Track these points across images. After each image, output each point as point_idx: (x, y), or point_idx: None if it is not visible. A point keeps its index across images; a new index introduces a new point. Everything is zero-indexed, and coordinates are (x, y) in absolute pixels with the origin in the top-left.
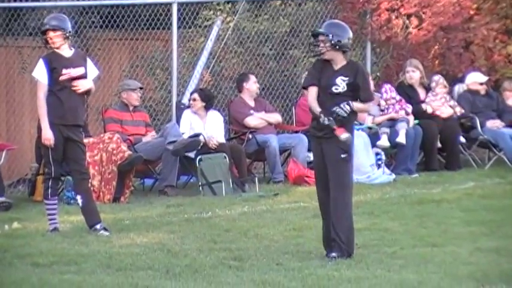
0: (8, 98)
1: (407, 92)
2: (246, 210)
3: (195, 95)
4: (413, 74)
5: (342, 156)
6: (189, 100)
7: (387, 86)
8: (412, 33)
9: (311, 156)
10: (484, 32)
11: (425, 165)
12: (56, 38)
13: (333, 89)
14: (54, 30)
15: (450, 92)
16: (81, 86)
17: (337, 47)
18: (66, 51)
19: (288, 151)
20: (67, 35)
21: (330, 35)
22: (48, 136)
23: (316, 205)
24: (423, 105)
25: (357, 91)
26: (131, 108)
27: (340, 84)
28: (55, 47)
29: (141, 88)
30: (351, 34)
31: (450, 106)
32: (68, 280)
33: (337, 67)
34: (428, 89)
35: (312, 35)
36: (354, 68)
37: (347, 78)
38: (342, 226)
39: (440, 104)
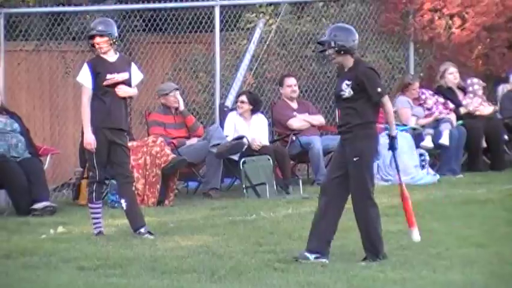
0: (51, 102)
1: (446, 95)
2: (290, 212)
3: (243, 98)
4: (457, 75)
5: (354, 159)
6: (236, 102)
7: (424, 91)
8: (455, 34)
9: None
10: None
11: (470, 165)
12: (102, 44)
13: (341, 94)
14: (101, 35)
15: (494, 92)
16: (123, 92)
17: (342, 52)
18: (111, 56)
19: (331, 153)
20: (113, 40)
21: (332, 42)
22: (89, 140)
23: None
24: (461, 109)
25: (366, 92)
26: (174, 111)
27: (345, 89)
28: (102, 53)
29: (177, 89)
30: (355, 36)
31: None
32: (113, 283)
33: (345, 71)
34: (464, 91)
35: (317, 42)
36: (355, 70)
37: (350, 82)
38: (363, 230)
39: (478, 104)
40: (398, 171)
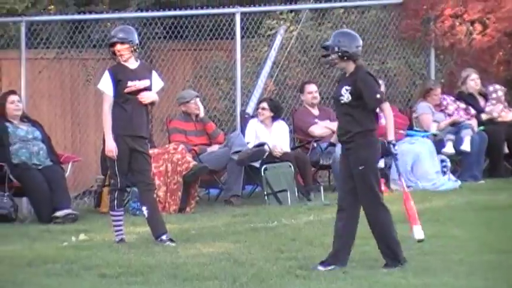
0: (73, 110)
1: (467, 101)
2: (311, 219)
3: (264, 104)
4: (478, 81)
5: (360, 168)
6: (257, 109)
7: (446, 97)
8: (476, 40)
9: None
10: None
11: (491, 171)
12: (123, 51)
13: (340, 99)
14: (122, 43)
15: None
16: (146, 98)
17: (345, 57)
18: (132, 63)
19: None
20: (134, 47)
21: (336, 47)
22: (110, 148)
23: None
24: (483, 115)
25: (362, 99)
26: (194, 118)
27: (344, 94)
28: (123, 60)
29: (197, 96)
30: (359, 42)
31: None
32: None
33: (346, 76)
34: (486, 97)
35: (321, 47)
36: (355, 75)
37: (349, 88)
38: (378, 236)
39: (500, 110)
40: (399, 174)
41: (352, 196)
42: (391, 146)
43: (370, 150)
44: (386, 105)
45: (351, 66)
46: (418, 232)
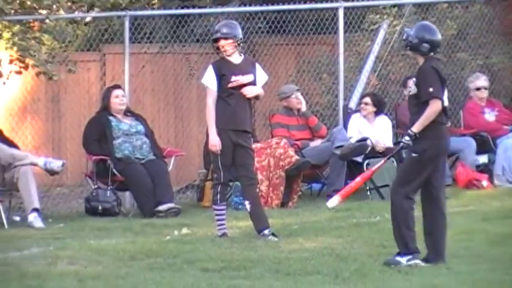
0: (176, 104)
1: None
2: (415, 214)
3: (367, 99)
4: None
5: (413, 155)
6: (360, 104)
7: None
8: None
9: (480, 159)
10: None
11: None
12: (227, 46)
13: (409, 90)
14: (225, 38)
15: None
16: (250, 92)
17: (408, 47)
18: (236, 57)
19: (455, 155)
20: (238, 42)
21: (406, 35)
22: (214, 142)
23: (486, 209)
24: None
25: None
26: (296, 112)
27: (412, 86)
28: (227, 55)
29: (297, 90)
30: (427, 36)
31: None
32: (237, 285)
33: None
34: None
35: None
36: (421, 68)
37: (415, 79)
38: (394, 223)
39: None
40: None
41: (427, 192)
42: (406, 135)
43: (433, 142)
44: (435, 103)
45: (419, 59)
46: (332, 201)
